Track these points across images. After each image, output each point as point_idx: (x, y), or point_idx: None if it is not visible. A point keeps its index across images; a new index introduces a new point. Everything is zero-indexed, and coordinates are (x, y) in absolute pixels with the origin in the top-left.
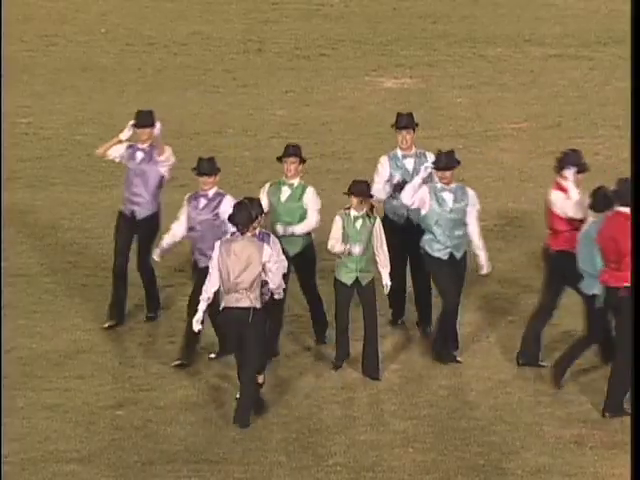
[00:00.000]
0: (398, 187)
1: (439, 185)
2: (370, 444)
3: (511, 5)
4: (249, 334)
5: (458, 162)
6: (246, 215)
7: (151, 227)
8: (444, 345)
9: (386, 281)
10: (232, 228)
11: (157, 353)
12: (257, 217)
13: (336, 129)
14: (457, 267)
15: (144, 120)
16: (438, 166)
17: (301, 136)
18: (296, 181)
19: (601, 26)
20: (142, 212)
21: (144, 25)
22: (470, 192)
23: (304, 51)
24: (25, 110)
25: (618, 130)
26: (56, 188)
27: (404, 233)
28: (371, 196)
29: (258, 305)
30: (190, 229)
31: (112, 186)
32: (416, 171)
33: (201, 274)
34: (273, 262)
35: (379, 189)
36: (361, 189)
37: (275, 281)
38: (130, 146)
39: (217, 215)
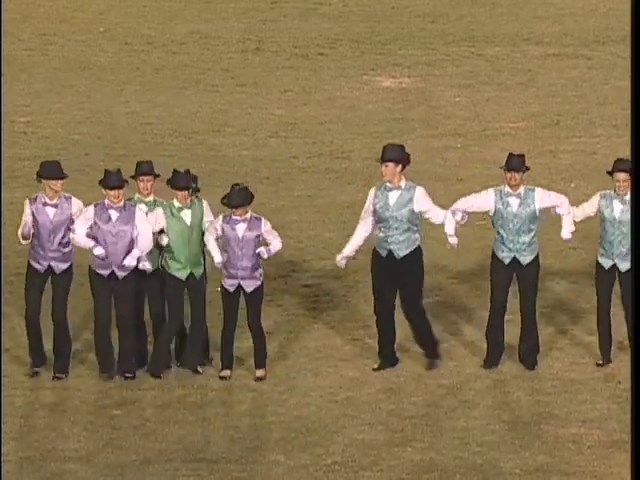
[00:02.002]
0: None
1: (506, 189)
2: (368, 443)
3: (509, 4)
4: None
5: (527, 168)
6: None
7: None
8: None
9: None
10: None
11: None
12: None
13: (334, 128)
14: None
15: (53, 172)
16: (509, 167)
17: (299, 135)
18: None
19: (599, 25)
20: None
21: (142, 24)
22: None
23: (302, 50)
24: (24, 109)
25: (616, 129)
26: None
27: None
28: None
29: None
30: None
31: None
32: (399, 205)
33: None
34: None
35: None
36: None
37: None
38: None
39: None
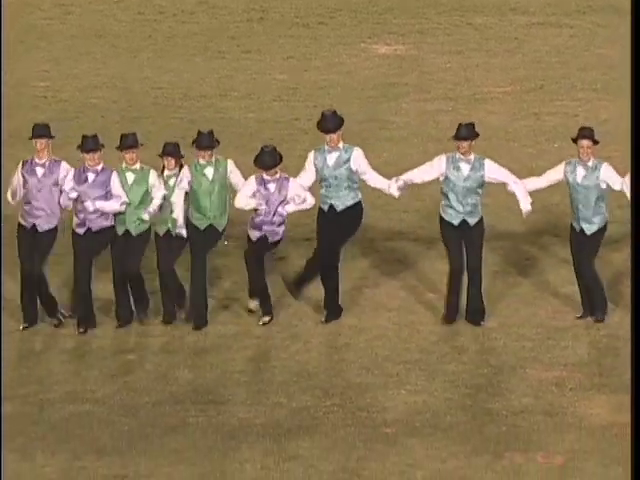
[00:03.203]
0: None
1: (457, 155)
2: (365, 386)
3: None
4: None
5: (477, 134)
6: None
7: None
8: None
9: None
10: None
11: None
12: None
13: (333, 92)
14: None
15: (39, 132)
16: (457, 137)
17: (300, 99)
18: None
19: None
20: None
21: None
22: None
23: (304, 19)
24: (43, 74)
25: (596, 93)
26: (71, 147)
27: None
28: None
29: None
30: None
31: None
32: (337, 164)
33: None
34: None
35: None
36: None
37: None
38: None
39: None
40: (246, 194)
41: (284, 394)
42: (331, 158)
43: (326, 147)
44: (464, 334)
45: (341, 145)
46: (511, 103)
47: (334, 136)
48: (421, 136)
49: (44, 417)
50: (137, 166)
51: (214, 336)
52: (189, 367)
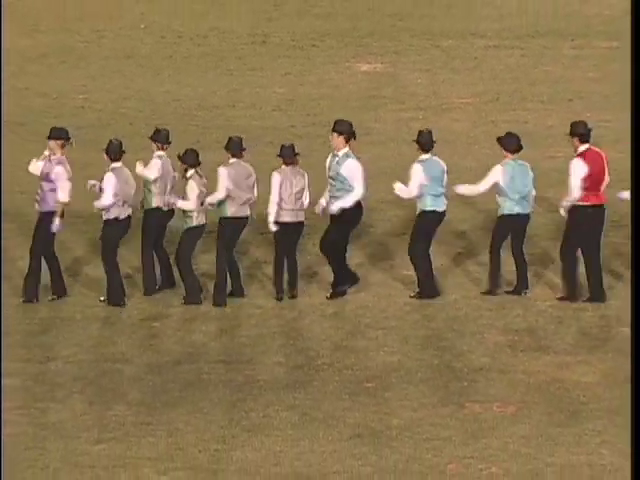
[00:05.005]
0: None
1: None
2: (350, 348)
3: (461, 6)
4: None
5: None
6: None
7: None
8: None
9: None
10: None
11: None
12: None
13: (324, 104)
14: None
15: (51, 133)
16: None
17: (296, 109)
18: None
19: (530, 22)
20: None
21: (174, 22)
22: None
23: (299, 43)
24: (82, 88)
25: (543, 104)
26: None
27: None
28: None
29: None
30: None
31: (146, 149)
32: (334, 168)
33: None
34: None
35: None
36: None
37: None
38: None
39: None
40: None
41: (282, 355)
42: (332, 161)
43: (335, 151)
44: (432, 305)
45: (341, 152)
46: (472, 112)
47: (336, 140)
48: (397, 140)
49: (82, 374)
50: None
51: (223, 307)
52: (203, 333)
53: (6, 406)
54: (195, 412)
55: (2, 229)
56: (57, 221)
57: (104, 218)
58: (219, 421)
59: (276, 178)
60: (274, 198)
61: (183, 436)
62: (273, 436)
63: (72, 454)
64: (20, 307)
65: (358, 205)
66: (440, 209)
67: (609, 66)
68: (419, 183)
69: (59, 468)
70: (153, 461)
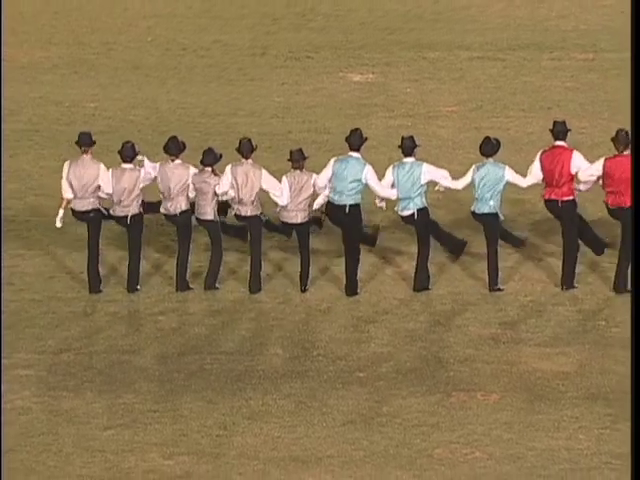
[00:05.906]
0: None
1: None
2: (344, 340)
3: (446, 20)
4: None
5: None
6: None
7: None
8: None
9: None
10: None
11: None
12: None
13: (318, 112)
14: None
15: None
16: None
17: (293, 116)
18: None
19: (511, 36)
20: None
21: (179, 36)
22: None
23: (295, 54)
24: (92, 97)
25: (524, 112)
26: (115, 155)
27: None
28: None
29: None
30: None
31: (155, 154)
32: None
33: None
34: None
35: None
36: None
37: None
38: None
39: None
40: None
41: (279, 346)
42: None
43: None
44: (420, 300)
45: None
46: (457, 120)
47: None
48: (387, 146)
49: (93, 364)
50: None
51: (224, 301)
52: (205, 325)
53: (23, 395)
54: (198, 400)
55: (2, 230)
56: (61, 213)
57: (130, 214)
58: (221, 409)
59: (285, 181)
60: (284, 200)
61: (187, 422)
62: (271, 423)
63: (83, 439)
64: (34, 302)
65: None
66: (404, 213)
67: (585, 76)
68: (389, 183)
69: (71, 452)
70: (159, 446)
